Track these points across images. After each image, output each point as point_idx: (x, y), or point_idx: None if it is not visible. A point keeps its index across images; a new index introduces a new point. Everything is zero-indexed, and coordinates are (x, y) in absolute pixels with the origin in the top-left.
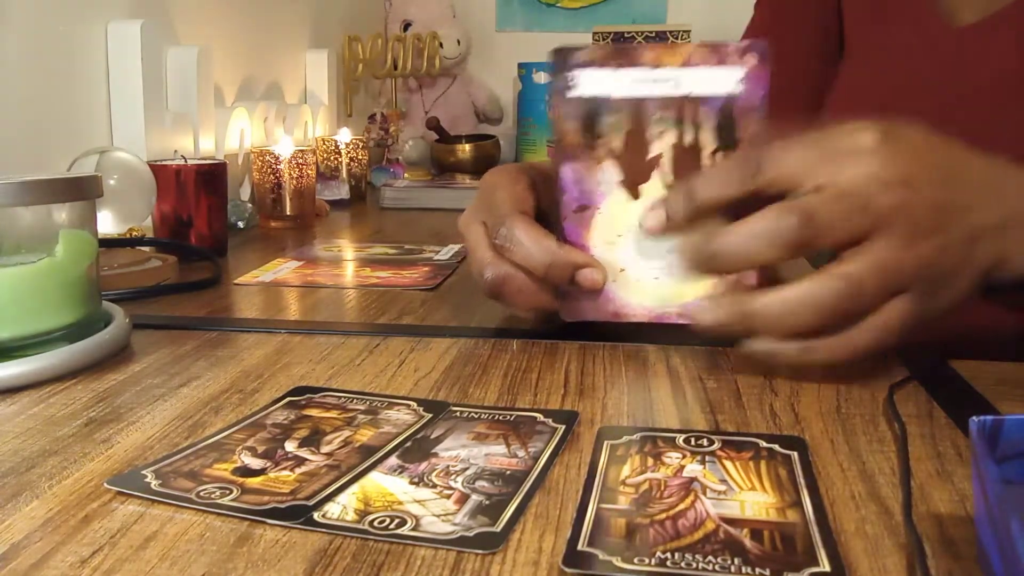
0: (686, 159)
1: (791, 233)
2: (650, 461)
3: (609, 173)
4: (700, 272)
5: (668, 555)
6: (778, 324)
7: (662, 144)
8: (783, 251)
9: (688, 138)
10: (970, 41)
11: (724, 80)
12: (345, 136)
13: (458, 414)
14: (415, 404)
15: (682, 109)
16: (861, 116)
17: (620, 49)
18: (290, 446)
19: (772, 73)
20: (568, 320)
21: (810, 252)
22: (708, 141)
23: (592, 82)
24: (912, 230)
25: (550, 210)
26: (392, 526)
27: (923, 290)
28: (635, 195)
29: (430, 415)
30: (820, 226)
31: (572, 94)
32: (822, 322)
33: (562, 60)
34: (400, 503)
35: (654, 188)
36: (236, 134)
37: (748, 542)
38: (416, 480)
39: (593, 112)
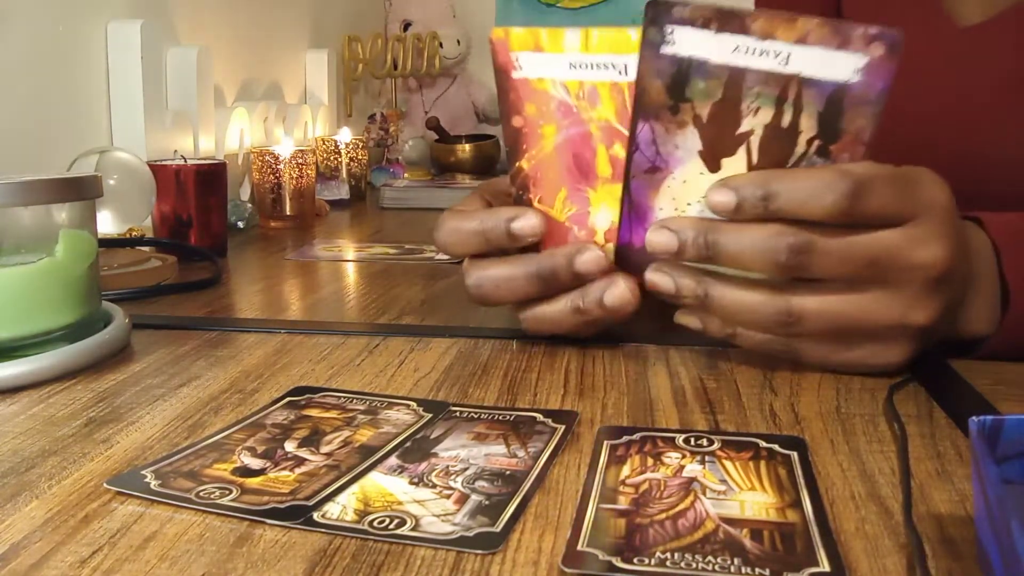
0: (779, 140)
1: (789, 260)
2: (650, 461)
3: (691, 140)
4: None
5: (668, 555)
6: (731, 318)
7: (755, 121)
8: (782, 272)
9: (786, 119)
10: (974, 41)
11: (841, 66)
12: (345, 136)
13: (458, 414)
14: (415, 404)
15: (786, 88)
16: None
17: (727, 13)
18: (290, 446)
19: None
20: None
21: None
22: (808, 127)
23: (689, 42)
24: (923, 293)
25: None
26: (392, 526)
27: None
28: (715, 168)
29: (430, 415)
30: (848, 260)
31: (665, 51)
32: (774, 330)
33: (658, 13)
34: (400, 503)
35: (737, 164)
36: (236, 134)
37: (748, 542)
38: (416, 480)
39: (684, 73)
